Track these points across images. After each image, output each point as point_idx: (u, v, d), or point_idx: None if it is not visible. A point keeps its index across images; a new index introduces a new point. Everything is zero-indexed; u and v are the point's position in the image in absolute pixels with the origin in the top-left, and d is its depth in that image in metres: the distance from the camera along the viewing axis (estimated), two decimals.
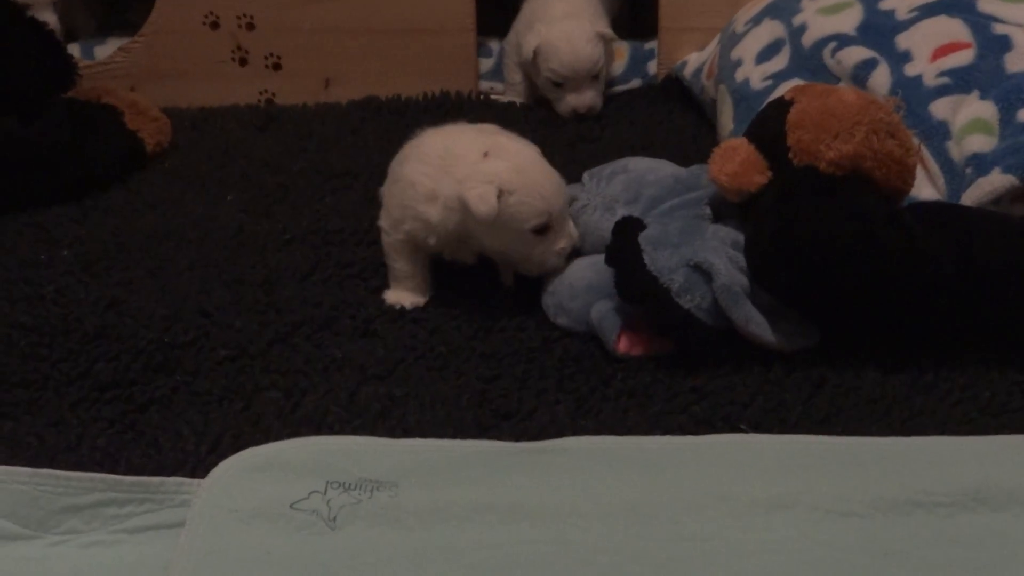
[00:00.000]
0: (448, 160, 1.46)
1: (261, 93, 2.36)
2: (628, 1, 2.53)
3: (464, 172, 1.43)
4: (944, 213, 1.41)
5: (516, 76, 2.28)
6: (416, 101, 2.29)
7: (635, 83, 2.41)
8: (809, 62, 1.83)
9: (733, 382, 1.35)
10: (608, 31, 2.15)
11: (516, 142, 1.50)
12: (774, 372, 1.36)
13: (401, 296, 1.55)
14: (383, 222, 1.56)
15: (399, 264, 1.55)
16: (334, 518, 1.10)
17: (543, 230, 1.45)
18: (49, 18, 2.23)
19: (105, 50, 2.42)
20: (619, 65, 2.40)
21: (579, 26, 2.09)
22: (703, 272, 1.35)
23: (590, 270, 1.48)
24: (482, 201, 1.40)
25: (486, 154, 1.45)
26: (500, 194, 1.41)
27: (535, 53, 2.12)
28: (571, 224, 1.51)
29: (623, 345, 1.40)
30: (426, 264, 1.56)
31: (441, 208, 1.45)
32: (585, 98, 2.13)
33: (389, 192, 1.55)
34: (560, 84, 2.14)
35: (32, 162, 1.87)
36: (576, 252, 1.52)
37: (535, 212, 1.43)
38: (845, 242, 1.30)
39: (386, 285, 1.58)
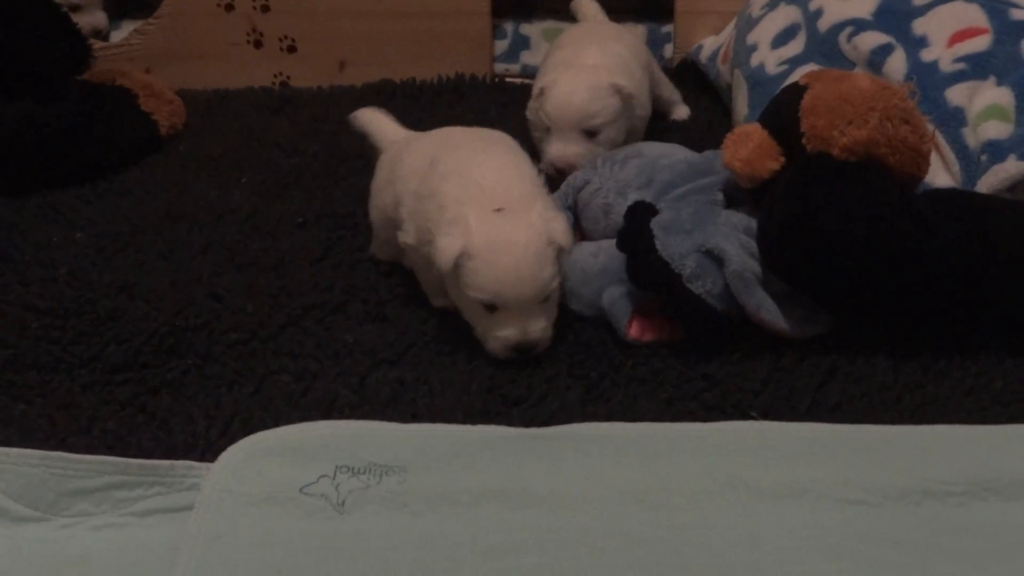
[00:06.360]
0: (472, 191, 1.39)
1: (276, 76, 2.35)
2: None
3: (459, 214, 1.37)
4: (958, 200, 1.40)
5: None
6: (431, 84, 2.29)
7: None
8: (825, 47, 1.81)
9: (744, 369, 1.35)
10: (623, 83, 1.76)
11: (525, 223, 1.37)
12: (785, 359, 1.36)
13: (449, 302, 1.47)
14: (408, 239, 1.46)
15: (428, 275, 1.48)
16: (343, 502, 1.11)
17: (491, 307, 1.38)
18: None
19: (120, 32, 2.42)
20: None
21: (592, 75, 1.76)
22: (715, 258, 1.35)
23: (602, 255, 1.48)
24: (442, 252, 1.35)
25: (498, 209, 1.38)
26: (462, 254, 1.34)
27: (541, 91, 1.78)
28: (537, 326, 1.38)
29: (634, 331, 1.40)
30: None
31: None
32: (566, 152, 1.72)
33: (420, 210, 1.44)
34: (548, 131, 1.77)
35: (46, 144, 1.87)
36: (587, 237, 1.50)
37: (480, 288, 1.35)
38: (858, 229, 1.29)
39: (397, 270, 1.57)
